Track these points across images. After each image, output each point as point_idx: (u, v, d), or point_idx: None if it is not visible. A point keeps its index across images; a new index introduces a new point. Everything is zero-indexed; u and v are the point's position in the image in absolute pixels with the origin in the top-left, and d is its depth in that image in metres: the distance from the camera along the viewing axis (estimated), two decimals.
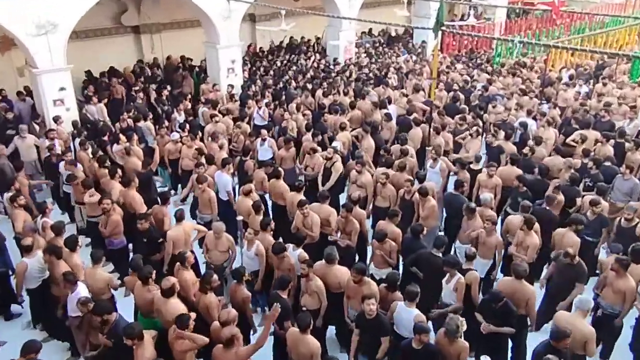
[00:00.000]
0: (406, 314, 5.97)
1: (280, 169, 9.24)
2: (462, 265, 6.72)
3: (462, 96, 13.77)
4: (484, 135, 11.81)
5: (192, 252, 7.43)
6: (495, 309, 6.04)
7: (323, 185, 9.56)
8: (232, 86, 14.11)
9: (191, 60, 17.48)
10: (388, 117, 11.95)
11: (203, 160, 9.81)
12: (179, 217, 7.68)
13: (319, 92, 14.18)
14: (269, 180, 9.17)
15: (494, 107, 12.87)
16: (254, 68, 16.99)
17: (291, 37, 20.35)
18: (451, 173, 9.68)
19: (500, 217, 8.93)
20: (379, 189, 9.05)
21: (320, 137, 10.86)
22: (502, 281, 6.53)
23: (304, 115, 12.25)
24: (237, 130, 11.49)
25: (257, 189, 9.23)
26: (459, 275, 6.50)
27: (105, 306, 5.92)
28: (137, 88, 14.40)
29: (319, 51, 19.58)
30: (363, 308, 5.80)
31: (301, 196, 8.30)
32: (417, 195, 8.46)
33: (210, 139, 10.96)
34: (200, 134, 11.47)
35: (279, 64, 17.39)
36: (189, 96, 14.06)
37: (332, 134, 12.03)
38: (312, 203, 8.19)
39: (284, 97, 13.94)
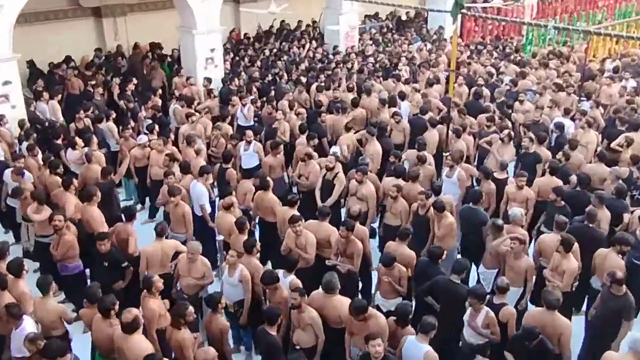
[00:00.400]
0: (416, 350, 5.95)
1: (269, 178, 9.27)
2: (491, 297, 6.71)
3: (486, 92, 13.87)
4: (514, 139, 11.87)
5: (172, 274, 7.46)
6: (529, 347, 6.03)
7: (322, 200, 9.59)
8: (209, 80, 14.19)
9: (162, 48, 17.60)
10: (399, 116, 12.02)
11: (176, 168, 9.81)
12: (160, 232, 7.73)
13: (315, 87, 14.27)
14: (255, 192, 9.21)
15: (521, 102, 13.01)
16: (237, 58, 17.09)
17: (282, 22, 20.51)
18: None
19: (532, 237, 8.96)
20: (389, 204, 9.08)
21: (316, 141, 10.93)
22: (531, 313, 6.53)
23: (297, 114, 12.30)
24: (217, 132, 11.53)
25: (241, 203, 9.24)
26: (486, 309, 6.51)
27: (57, 346, 5.79)
28: (96, 82, 14.46)
29: (316, 38, 19.72)
30: (368, 349, 5.78)
31: (294, 211, 8.32)
32: (432, 210, 8.49)
33: (185, 142, 10.99)
34: (172, 136, 11.48)
35: (267, 53, 17.50)
36: (159, 91, 14.11)
37: (330, 137, 12.09)
38: (308, 220, 8.20)
39: (273, 93, 14.03)
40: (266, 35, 19.87)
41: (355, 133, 11.63)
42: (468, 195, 8.96)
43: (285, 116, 12.14)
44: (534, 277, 7.59)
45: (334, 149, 10.59)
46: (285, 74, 15.21)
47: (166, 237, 7.94)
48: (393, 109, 12.57)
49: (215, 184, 10.26)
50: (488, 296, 6.69)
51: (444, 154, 10.76)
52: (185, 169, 9.74)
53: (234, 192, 9.48)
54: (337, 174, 9.70)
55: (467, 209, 8.75)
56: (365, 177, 9.33)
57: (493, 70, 15.84)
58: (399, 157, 10.20)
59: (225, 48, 17.35)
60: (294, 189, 10.42)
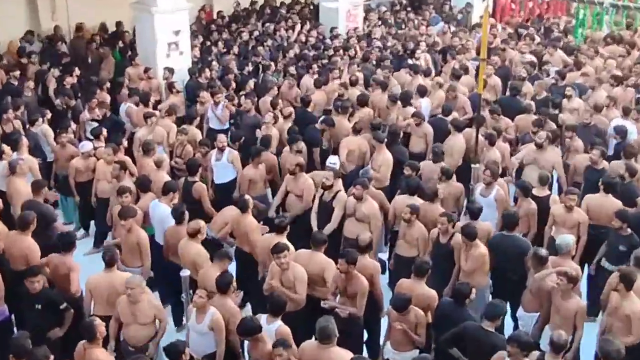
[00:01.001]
0: None
1: (247, 197, 9.29)
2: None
3: (528, 87, 13.99)
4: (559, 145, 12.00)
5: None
6: None
7: (320, 227, 9.62)
8: (172, 71, 14.23)
9: (112, 32, 17.68)
10: (419, 118, 12.12)
11: (127, 180, 9.85)
12: (109, 261, 7.78)
13: (307, 79, 14.32)
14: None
15: (569, 99, 13.12)
16: (208, 43, 17.16)
17: (253, 2, 20.78)
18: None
19: (586, 271, 9.02)
20: (402, 230, 9.12)
21: (301, 145, 11.02)
22: None
23: (285, 117, 12.39)
24: (182, 138, 11.58)
25: (217, 233, 9.34)
26: None
27: None
28: (26, 73, 14.44)
29: (308, 18, 19.87)
30: None
31: (282, 238, 8.34)
32: (458, 238, 8.50)
33: (141, 151, 11.02)
34: (125, 143, 11.53)
35: (246, 36, 17.59)
36: (108, 85, 14.15)
37: (326, 144, 12.14)
38: (299, 250, 8.21)
39: (253, 87, 14.12)
40: (246, 15, 19.99)
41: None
42: (502, 219, 9.02)
43: (276, 120, 12.18)
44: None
45: (332, 159, 10.60)
46: (270, 64, 15.31)
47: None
48: (410, 109, 12.67)
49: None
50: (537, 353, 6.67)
51: (472, 165, 10.81)
52: (144, 185, 9.76)
53: (213, 220, 9.61)
54: (336, 193, 9.75)
55: (500, 237, 8.78)
56: (366, 191, 9.38)
57: (534, 59, 15.99)
58: (416, 169, 10.26)
59: (193, 31, 17.41)
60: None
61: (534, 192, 9.73)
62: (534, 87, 13.96)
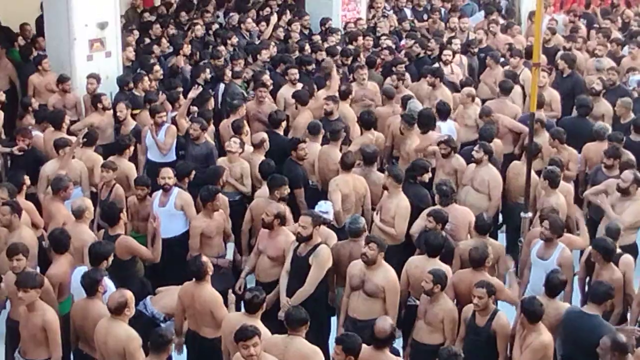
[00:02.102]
0: None
1: (205, 259, 9.31)
2: None
3: (605, 105, 14.10)
4: None
5: None
6: None
7: (290, 293, 9.68)
8: (96, 78, 14.30)
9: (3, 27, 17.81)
10: (449, 146, 12.19)
11: (24, 231, 9.83)
12: None
13: (286, 91, 14.38)
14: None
15: None
16: (147, 40, 17.25)
17: None
18: None
19: None
20: (422, 306, 9.15)
21: (285, 190, 11.01)
22: None
23: (255, 146, 12.42)
24: (109, 174, 11.58)
25: (163, 309, 9.40)
26: None
27: None
28: None
29: (289, 5, 20.13)
30: None
31: (254, 321, 8.31)
32: (503, 319, 8.58)
33: (50, 191, 11.06)
34: (27, 181, 11.52)
35: (200, 30, 17.70)
36: (3, 97, 14.19)
37: (315, 182, 12.25)
38: (274, 336, 8.26)
39: (212, 103, 14.26)
40: (201, 1, 20.18)
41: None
42: (590, 290, 9.03)
43: (242, 148, 12.26)
44: None
45: (323, 206, 10.72)
46: (243, 70, 15.41)
47: None
48: (433, 134, 12.75)
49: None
50: None
51: (522, 215, 10.86)
52: (58, 241, 9.71)
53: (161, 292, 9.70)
54: (315, 247, 9.78)
55: (575, 316, 8.82)
56: (380, 251, 9.37)
57: (610, 63, 16.11)
58: (442, 220, 10.29)
59: (126, 23, 17.53)
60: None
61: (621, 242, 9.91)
62: (617, 108, 14.04)
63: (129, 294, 8.50)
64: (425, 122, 12.99)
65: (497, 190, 11.74)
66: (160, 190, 11.04)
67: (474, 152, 11.81)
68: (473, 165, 11.88)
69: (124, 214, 10.51)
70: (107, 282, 9.09)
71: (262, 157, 12.15)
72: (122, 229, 10.39)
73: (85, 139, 12.41)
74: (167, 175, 11.05)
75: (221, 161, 12.16)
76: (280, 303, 9.64)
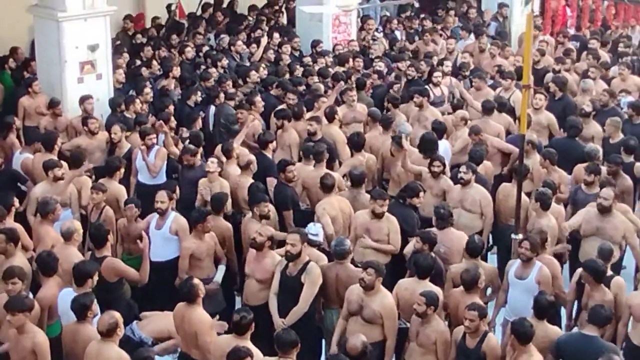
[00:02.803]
0: None
1: (196, 282, 9.27)
2: None
3: (595, 126, 14.14)
4: None
5: None
6: None
7: (283, 313, 9.66)
8: (92, 98, 14.28)
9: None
10: (439, 166, 12.19)
11: (18, 257, 9.76)
12: None
13: (275, 120, 14.22)
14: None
15: None
16: (138, 62, 17.26)
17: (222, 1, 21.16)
18: None
19: None
20: (414, 327, 9.12)
21: (267, 207, 11.04)
22: None
23: (243, 168, 12.38)
24: (99, 197, 11.55)
25: (151, 332, 9.39)
26: None
27: None
28: None
29: (279, 27, 20.12)
30: None
31: (244, 342, 8.30)
32: (492, 341, 8.60)
33: (38, 215, 11.01)
34: (17, 204, 11.49)
35: (190, 52, 17.71)
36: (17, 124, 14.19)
37: (306, 206, 12.24)
38: (266, 357, 8.23)
39: (199, 123, 14.25)
40: (192, 22, 20.18)
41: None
42: (591, 313, 8.99)
43: (220, 167, 12.22)
44: None
45: (313, 228, 10.69)
46: (235, 92, 15.41)
47: None
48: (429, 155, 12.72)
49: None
50: None
51: (513, 236, 10.85)
52: (46, 264, 9.64)
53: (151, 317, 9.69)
54: (306, 264, 9.78)
55: (575, 338, 8.87)
56: (378, 276, 9.33)
57: (602, 85, 16.14)
58: (431, 241, 10.27)
59: (117, 45, 17.52)
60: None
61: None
62: (606, 127, 14.08)
63: (118, 315, 8.48)
64: (428, 146, 12.96)
65: (490, 208, 11.76)
66: (156, 214, 11.07)
67: (462, 174, 11.81)
68: (458, 186, 11.89)
69: (111, 236, 10.52)
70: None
71: (250, 179, 12.13)
72: (109, 250, 10.38)
73: (72, 161, 12.38)
74: (161, 199, 11.06)
75: (202, 182, 12.14)
76: (275, 325, 9.60)
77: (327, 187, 11.48)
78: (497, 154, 13.47)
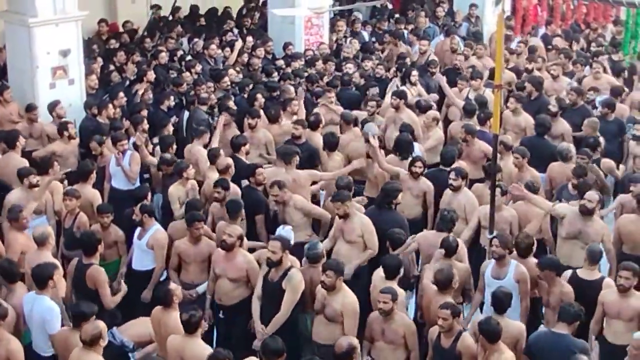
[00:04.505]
0: None
1: (172, 286, 9.30)
2: None
3: (563, 125, 14.22)
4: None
5: None
6: None
7: (266, 320, 9.66)
8: (59, 104, 14.19)
9: None
10: (419, 167, 12.20)
11: None
12: None
13: (248, 120, 14.15)
14: None
15: (638, 140, 13.46)
16: (112, 67, 17.17)
17: (194, 6, 21.06)
18: None
19: None
20: (378, 326, 9.18)
21: (240, 216, 11.00)
22: None
23: (221, 172, 12.26)
24: (72, 203, 11.48)
25: (132, 335, 9.36)
26: None
27: None
28: None
29: (252, 31, 20.10)
30: None
31: (194, 341, 8.43)
32: (467, 340, 8.66)
33: (9, 226, 10.95)
34: None
35: (164, 57, 17.68)
36: None
37: (276, 208, 12.06)
38: None
39: (169, 128, 14.22)
40: (164, 26, 20.15)
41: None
42: (561, 311, 9.02)
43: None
44: None
45: (282, 231, 10.66)
46: (208, 96, 15.33)
47: None
48: (393, 167, 12.70)
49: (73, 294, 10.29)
50: None
51: (488, 236, 10.85)
52: (7, 273, 9.65)
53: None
54: (287, 270, 9.75)
55: (545, 337, 8.89)
56: (337, 276, 9.35)
57: (574, 84, 16.20)
58: (398, 242, 10.37)
59: (91, 50, 17.44)
60: None
61: (580, 274, 9.94)
62: (584, 128, 14.12)
63: (102, 325, 8.52)
64: (404, 147, 13.04)
65: (475, 213, 11.65)
66: (134, 217, 11.11)
67: (451, 181, 11.80)
68: (449, 190, 11.88)
69: (102, 245, 10.43)
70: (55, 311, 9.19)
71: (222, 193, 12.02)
72: (97, 259, 10.30)
73: (41, 167, 12.30)
74: (136, 211, 11.12)
75: (173, 187, 12.12)
76: (255, 331, 9.65)
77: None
78: (483, 158, 13.34)
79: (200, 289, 10.68)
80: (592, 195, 11.04)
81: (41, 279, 9.30)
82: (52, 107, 14.25)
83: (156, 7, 20.54)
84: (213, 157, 12.67)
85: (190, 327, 8.57)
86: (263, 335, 9.28)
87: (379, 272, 9.92)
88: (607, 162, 13.07)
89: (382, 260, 10.00)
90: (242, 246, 10.34)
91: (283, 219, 11.47)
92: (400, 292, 9.46)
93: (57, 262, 10.10)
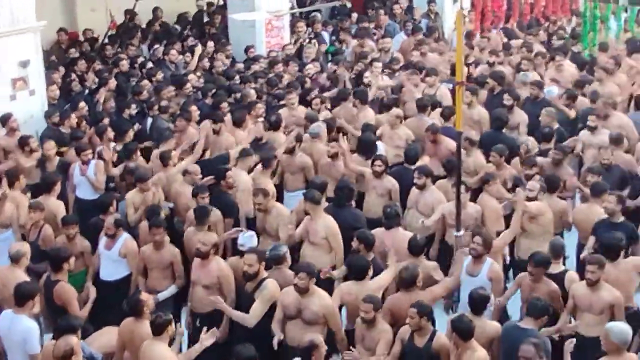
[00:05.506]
0: None
1: (143, 296, 9.23)
2: None
3: (522, 116, 14.33)
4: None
5: None
6: None
7: (238, 330, 9.65)
8: (11, 117, 13.94)
9: None
10: (381, 165, 12.21)
11: None
12: None
13: (208, 124, 14.07)
14: None
15: (593, 131, 13.50)
16: (72, 76, 17.05)
17: (156, 9, 20.96)
18: None
19: None
20: (360, 331, 9.16)
21: (206, 224, 10.97)
22: None
23: (186, 174, 12.29)
24: (36, 215, 11.43)
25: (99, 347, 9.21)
26: None
27: None
28: None
29: (213, 35, 20.07)
30: None
31: (160, 343, 8.39)
32: (442, 339, 8.69)
33: None
34: None
35: (125, 65, 17.56)
36: None
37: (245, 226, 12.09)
38: None
39: (130, 134, 14.11)
40: (125, 33, 20.05)
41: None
42: (528, 308, 9.06)
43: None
44: None
45: (243, 238, 10.66)
46: (168, 105, 15.20)
47: None
48: (358, 167, 12.76)
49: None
50: None
51: (455, 233, 10.85)
52: None
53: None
54: (261, 281, 9.72)
55: (512, 331, 8.90)
56: (310, 278, 9.34)
57: (536, 77, 16.25)
58: (368, 242, 10.29)
59: (51, 61, 17.32)
60: None
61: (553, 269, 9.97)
62: (542, 118, 14.18)
63: (74, 341, 8.45)
64: (367, 147, 13.10)
65: (438, 209, 11.63)
66: (105, 236, 11.06)
67: (415, 179, 11.82)
68: (416, 189, 11.89)
69: (69, 263, 10.28)
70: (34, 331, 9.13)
71: (191, 188, 12.01)
72: (65, 275, 10.22)
73: (8, 180, 12.23)
74: (108, 226, 11.03)
75: (132, 194, 12.10)
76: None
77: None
78: (451, 156, 13.20)
79: (162, 295, 10.64)
80: (532, 184, 11.24)
81: (23, 298, 9.21)
82: (5, 120, 14.01)
83: (111, 16, 20.37)
84: (164, 158, 12.73)
85: (156, 329, 8.58)
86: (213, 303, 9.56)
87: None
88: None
89: (350, 261, 10.03)
90: (217, 253, 10.35)
91: (263, 227, 11.43)
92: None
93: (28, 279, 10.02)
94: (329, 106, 15.36)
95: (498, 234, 11.11)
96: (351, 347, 9.13)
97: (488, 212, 11.55)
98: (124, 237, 11.07)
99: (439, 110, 14.76)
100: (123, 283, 10.95)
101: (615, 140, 13.02)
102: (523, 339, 8.48)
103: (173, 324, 8.83)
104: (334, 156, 12.86)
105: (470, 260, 10.05)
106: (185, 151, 13.44)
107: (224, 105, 14.84)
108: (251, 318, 9.56)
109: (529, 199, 11.05)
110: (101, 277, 11.04)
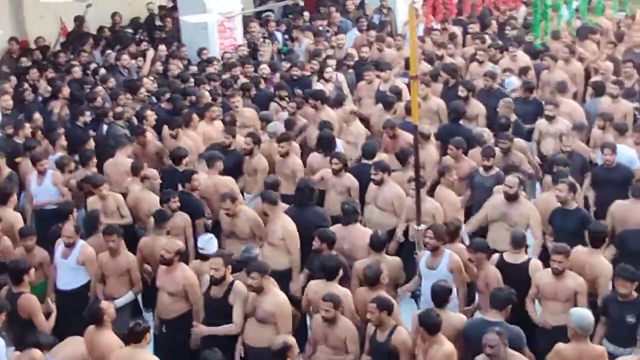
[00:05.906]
0: None
1: (104, 305, 9.17)
2: None
3: (479, 107, 14.40)
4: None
5: None
6: None
7: (210, 336, 9.58)
8: None
9: None
10: (338, 163, 12.19)
11: None
12: None
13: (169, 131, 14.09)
14: None
15: (550, 120, 13.61)
16: (25, 85, 16.90)
17: (114, 14, 20.95)
18: None
19: None
20: (321, 330, 9.14)
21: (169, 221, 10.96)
22: None
23: (143, 179, 12.24)
24: None
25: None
26: None
27: None
28: None
29: (165, 38, 19.99)
30: None
31: (140, 352, 8.39)
32: (402, 334, 8.71)
33: None
34: None
35: (78, 72, 17.43)
36: None
37: (211, 214, 12.10)
38: None
39: (91, 143, 13.95)
40: (76, 40, 19.92)
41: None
42: (492, 298, 9.08)
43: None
44: None
45: (202, 241, 10.62)
46: (123, 111, 15.06)
47: None
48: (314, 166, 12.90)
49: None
50: None
51: (416, 227, 10.87)
52: None
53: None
54: (231, 285, 9.68)
55: (477, 326, 8.91)
56: (263, 277, 9.34)
57: (493, 69, 16.35)
58: (329, 239, 10.30)
59: (2, 70, 17.18)
60: None
61: (506, 258, 10.04)
62: (499, 109, 14.20)
63: (38, 355, 8.46)
64: (326, 145, 13.09)
65: (403, 206, 11.66)
66: (62, 244, 10.94)
67: (372, 175, 11.81)
68: (374, 185, 11.88)
69: (29, 275, 10.19)
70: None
71: (151, 194, 12.06)
72: (26, 287, 10.13)
73: None
74: (67, 234, 10.89)
75: (92, 201, 12.08)
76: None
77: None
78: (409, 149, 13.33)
79: (119, 302, 10.58)
80: (512, 179, 11.16)
81: None
82: None
83: (62, 23, 20.32)
84: (134, 169, 12.59)
85: (135, 336, 8.54)
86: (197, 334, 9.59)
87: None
88: (519, 141, 13.14)
89: (319, 260, 10.00)
90: (181, 259, 10.29)
91: (230, 231, 11.39)
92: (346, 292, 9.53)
93: None
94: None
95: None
96: None
97: (446, 204, 11.55)
98: (81, 244, 10.97)
99: (402, 104, 14.75)
100: (81, 291, 10.86)
101: (579, 128, 13.19)
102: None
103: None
104: (284, 155, 12.90)
105: (429, 254, 10.08)
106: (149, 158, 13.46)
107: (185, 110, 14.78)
108: (236, 326, 9.57)
109: (509, 196, 11.05)
110: (59, 287, 10.94)
